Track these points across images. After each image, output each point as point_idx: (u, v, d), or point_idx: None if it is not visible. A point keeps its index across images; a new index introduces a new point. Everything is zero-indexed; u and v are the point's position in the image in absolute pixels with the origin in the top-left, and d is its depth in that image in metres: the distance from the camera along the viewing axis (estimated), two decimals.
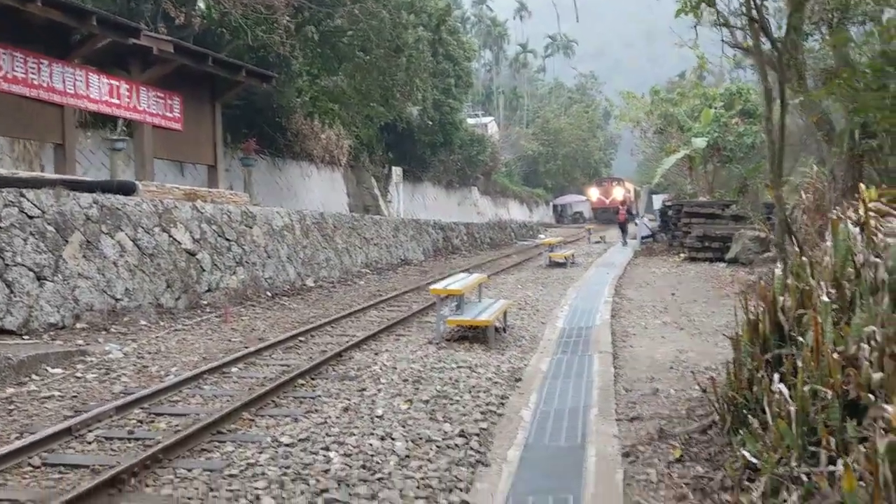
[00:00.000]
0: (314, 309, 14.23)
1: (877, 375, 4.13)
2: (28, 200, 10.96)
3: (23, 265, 10.43)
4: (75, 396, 7.74)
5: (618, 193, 60.84)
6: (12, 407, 7.30)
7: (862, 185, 10.11)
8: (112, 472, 5.24)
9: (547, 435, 6.38)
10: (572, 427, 6.53)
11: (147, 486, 5.34)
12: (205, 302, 13.79)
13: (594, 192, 66.00)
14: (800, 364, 4.54)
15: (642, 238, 32.62)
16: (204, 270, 14.23)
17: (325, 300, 15.57)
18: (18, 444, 5.89)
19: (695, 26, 8.49)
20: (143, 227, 13.00)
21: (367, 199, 31.63)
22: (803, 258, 6.03)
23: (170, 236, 13.61)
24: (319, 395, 7.65)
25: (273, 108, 24.89)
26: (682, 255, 24.05)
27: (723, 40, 14.29)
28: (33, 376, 8.45)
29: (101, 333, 10.84)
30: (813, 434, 4.29)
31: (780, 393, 4.58)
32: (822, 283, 5.46)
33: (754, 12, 8.24)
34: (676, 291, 15.83)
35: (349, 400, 7.40)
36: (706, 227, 23.23)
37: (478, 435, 6.32)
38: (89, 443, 6.27)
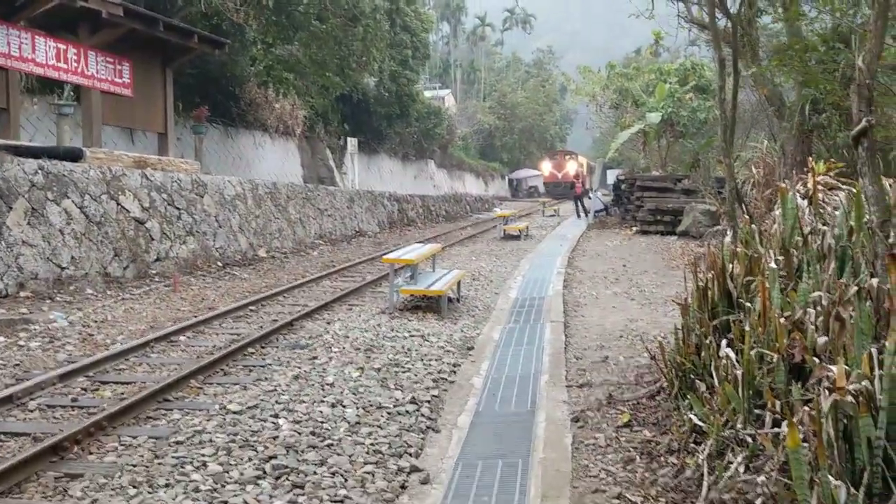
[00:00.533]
0: (266, 279, 14.07)
1: (821, 339, 4.19)
2: None
3: None
4: (18, 365, 7.55)
5: (571, 167, 59.31)
6: None
7: (811, 160, 10.25)
8: (54, 440, 5.13)
9: (497, 401, 6.40)
10: (523, 393, 6.55)
11: (91, 453, 5.23)
12: (154, 271, 13.54)
13: (546, 166, 63.84)
14: (747, 329, 4.58)
15: (595, 212, 32.89)
16: (153, 239, 13.97)
17: (278, 270, 15.40)
18: None
19: None
20: (90, 195, 12.69)
21: (322, 171, 31.29)
22: (752, 226, 6.09)
23: (118, 204, 13.31)
24: (269, 364, 7.57)
25: (227, 76, 24.41)
26: (634, 228, 24.26)
27: (679, 15, 14.36)
28: None
29: (46, 302, 10.59)
30: (759, 397, 4.36)
31: (728, 357, 4.63)
32: (770, 250, 5.52)
33: None
34: (628, 263, 15.97)
35: (300, 368, 7.34)
36: (658, 200, 23.44)
37: (429, 402, 6.32)
38: (31, 411, 6.13)
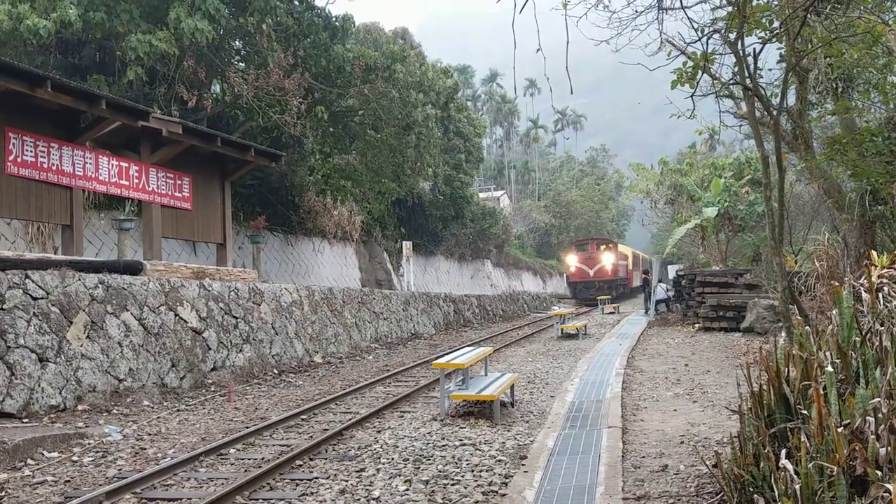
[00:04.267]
0: (320, 386, 14.04)
1: (883, 450, 3.93)
2: (33, 282, 10.96)
3: (25, 347, 10.36)
4: (68, 481, 7.56)
5: (607, 260, 46.12)
6: (3, 493, 7.13)
7: (874, 252, 9.93)
8: None
9: None
10: None
11: None
12: (210, 381, 13.63)
13: (572, 260, 47.82)
14: (803, 439, 4.33)
15: (656, 302, 32.67)
16: (210, 349, 14.12)
17: (332, 376, 15.38)
18: None
19: (691, 96, 8.46)
20: (148, 307, 12.95)
21: (380, 274, 31.62)
22: (807, 327, 5.85)
23: (176, 315, 13.55)
24: (316, 477, 7.44)
25: (286, 186, 25.16)
26: (696, 325, 23.73)
27: (727, 111, 14.38)
28: (28, 461, 8.29)
29: (103, 415, 10.69)
30: None
31: (785, 469, 4.37)
32: (827, 352, 5.27)
33: (748, 81, 8.23)
34: (690, 362, 15.53)
35: (346, 481, 7.19)
36: (720, 296, 22.95)
37: None
38: None
